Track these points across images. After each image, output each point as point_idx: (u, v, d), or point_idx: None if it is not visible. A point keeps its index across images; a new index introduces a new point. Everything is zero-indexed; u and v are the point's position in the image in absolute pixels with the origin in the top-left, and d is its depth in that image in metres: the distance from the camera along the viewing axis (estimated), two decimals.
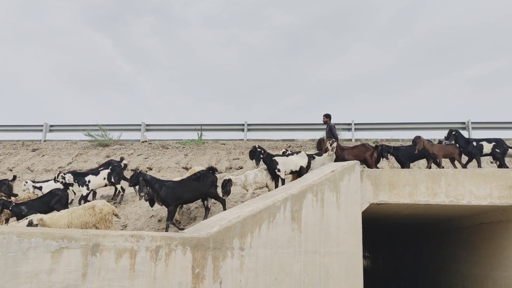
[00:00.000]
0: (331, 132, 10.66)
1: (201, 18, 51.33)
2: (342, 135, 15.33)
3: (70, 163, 13.75)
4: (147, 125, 16.71)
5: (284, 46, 56.57)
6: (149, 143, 15.89)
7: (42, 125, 16.73)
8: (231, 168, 12.94)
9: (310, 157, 8.97)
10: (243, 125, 16.37)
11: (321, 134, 15.35)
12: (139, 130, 16.57)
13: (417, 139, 8.81)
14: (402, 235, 14.10)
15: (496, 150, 8.88)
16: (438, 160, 8.75)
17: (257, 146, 8.56)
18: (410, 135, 16.29)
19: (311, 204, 6.45)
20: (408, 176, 7.47)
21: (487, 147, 8.93)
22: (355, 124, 15.58)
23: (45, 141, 16.54)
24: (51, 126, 16.88)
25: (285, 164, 8.52)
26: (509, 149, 9.08)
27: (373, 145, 9.38)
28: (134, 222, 9.10)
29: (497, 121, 14.77)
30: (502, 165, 8.76)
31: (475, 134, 14.61)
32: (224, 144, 15.67)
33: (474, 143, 8.99)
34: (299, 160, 8.73)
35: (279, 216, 5.98)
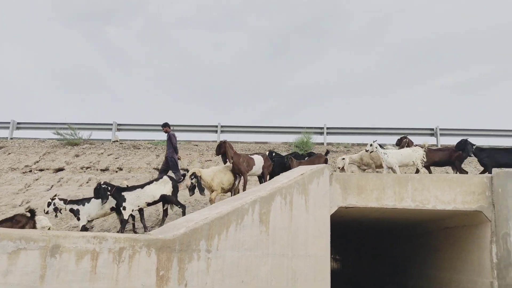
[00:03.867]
0: (170, 141, 10.50)
1: (177, 19, 50.97)
2: (314, 138, 15.46)
3: (37, 161, 13.39)
4: (119, 124, 16.45)
5: (262, 50, 56.77)
6: (120, 143, 15.64)
7: (9, 122, 16.25)
8: (203, 168, 12.85)
9: (193, 176, 8.11)
10: (216, 126, 16.31)
11: (294, 137, 15.46)
12: (111, 129, 16.29)
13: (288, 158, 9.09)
14: (371, 239, 14.30)
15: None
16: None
17: (102, 183, 7.85)
18: (380, 139, 16.56)
19: (280, 207, 6.46)
20: (376, 180, 7.57)
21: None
22: (327, 128, 15.74)
23: (11, 138, 16.06)
24: (18, 123, 16.41)
25: (138, 199, 7.77)
26: None
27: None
28: (101, 222, 8.92)
29: (465, 128, 15.19)
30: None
31: (443, 141, 14.98)
32: (197, 145, 15.58)
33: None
34: (158, 189, 7.93)
35: (247, 218, 5.96)
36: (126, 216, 7.69)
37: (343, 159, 10.19)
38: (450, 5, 47.06)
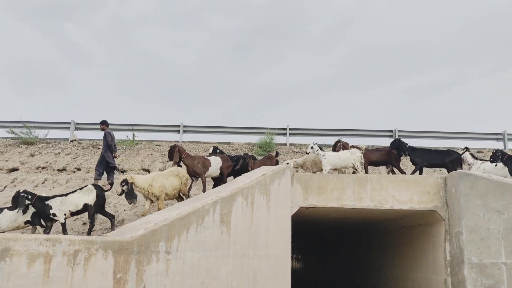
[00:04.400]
0: (105, 139, 10.50)
1: (138, 17, 50.09)
2: (277, 139, 15.55)
3: None
4: (77, 123, 15.98)
5: (225, 50, 56.65)
6: (79, 143, 15.19)
7: None
8: (164, 169, 12.67)
9: (124, 183, 7.54)
10: (179, 126, 16.13)
11: (257, 138, 15.50)
12: (69, 128, 15.80)
13: (247, 156, 9.17)
14: (332, 238, 14.53)
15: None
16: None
17: (20, 191, 7.36)
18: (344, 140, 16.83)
19: (241, 207, 6.45)
20: (336, 180, 7.69)
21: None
22: (290, 129, 15.88)
23: None
24: None
25: (62, 205, 7.41)
26: None
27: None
28: (57, 224, 8.62)
29: (422, 130, 15.70)
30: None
31: None
32: (158, 145, 15.34)
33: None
34: (81, 198, 7.52)
35: (208, 219, 5.91)
36: (62, 220, 7.29)
37: (288, 163, 10.23)
38: (406, 12, 48.62)
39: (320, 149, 9.43)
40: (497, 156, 9.01)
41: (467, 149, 9.77)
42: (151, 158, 13.52)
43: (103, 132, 10.74)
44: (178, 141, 16.03)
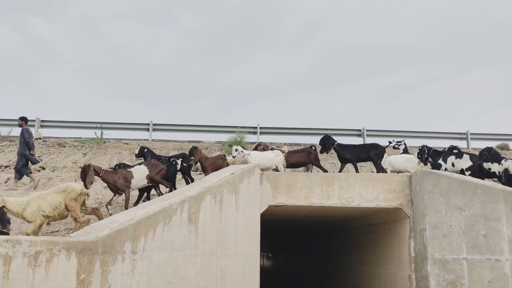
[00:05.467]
0: (22, 136, 10.40)
1: (108, 13, 49.13)
2: (248, 138, 15.58)
3: None
4: (42, 121, 15.56)
5: (197, 48, 56.28)
6: (44, 141, 14.78)
7: None
8: None
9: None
10: (148, 124, 15.93)
11: (228, 137, 15.49)
12: (33, 126, 15.35)
13: (193, 150, 9.06)
14: (301, 236, 14.66)
15: (183, 164, 9.59)
16: (207, 173, 9.07)
17: None
18: (312, 140, 17.03)
19: (210, 206, 6.42)
20: (305, 179, 7.75)
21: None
22: (260, 128, 15.93)
23: None
24: None
25: None
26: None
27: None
28: (19, 225, 8.37)
29: (389, 129, 16.04)
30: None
31: (369, 141, 15.68)
32: (127, 143, 15.10)
33: None
34: None
35: (175, 218, 5.86)
36: None
37: None
38: (376, 13, 49.53)
39: (245, 148, 9.47)
40: (423, 151, 9.46)
41: (399, 142, 10.36)
42: (119, 157, 13.29)
43: (21, 128, 10.49)
44: (147, 140, 15.83)
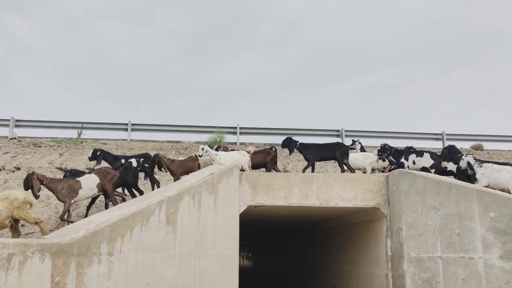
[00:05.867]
0: None
1: (88, 11, 48.38)
2: (228, 138, 15.55)
3: None
4: (17, 120, 15.21)
5: (177, 48, 55.91)
6: (19, 141, 14.46)
7: None
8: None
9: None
10: (126, 124, 15.74)
11: (207, 137, 15.42)
12: (7, 125, 15.00)
13: (156, 158, 8.97)
14: (281, 236, 14.71)
15: (145, 164, 9.55)
16: (176, 177, 9.00)
17: None
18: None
19: (188, 207, 6.38)
20: (284, 179, 7.78)
21: (135, 163, 9.52)
22: (240, 128, 15.91)
23: None
24: None
25: None
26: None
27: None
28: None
29: (368, 130, 16.23)
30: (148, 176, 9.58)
31: (348, 141, 15.85)
32: (105, 143, 14.88)
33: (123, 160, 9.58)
34: None
35: (153, 219, 5.81)
36: None
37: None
38: (355, 15, 50.09)
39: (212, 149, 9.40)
40: (385, 149, 9.70)
41: (354, 142, 10.71)
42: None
43: None
44: (126, 140, 15.64)
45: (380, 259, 7.71)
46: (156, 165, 9.34)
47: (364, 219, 8.41)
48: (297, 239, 13.18)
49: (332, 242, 10.35)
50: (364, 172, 10.07)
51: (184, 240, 6.19)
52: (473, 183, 8.35)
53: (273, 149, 10.15)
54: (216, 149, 10.28)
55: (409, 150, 9.93)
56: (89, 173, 8.37)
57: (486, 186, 8.30)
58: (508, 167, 8.71)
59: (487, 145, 16.31)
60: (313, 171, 9.91)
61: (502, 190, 8.23)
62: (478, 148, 15.91)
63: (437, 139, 16.38)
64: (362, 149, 10.79)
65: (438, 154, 9.69)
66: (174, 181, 9.14)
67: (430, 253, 6.76)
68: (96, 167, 10.23)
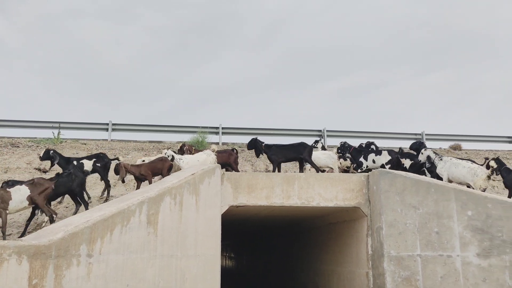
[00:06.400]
0: None
1: (67, 9, 47.63)
2: (210, 138, 15.50)
3: None
4: None
5: (159, 48, 55.48)
6: None
7: None
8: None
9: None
10: (107, 124, 15.55)
11: (189, 137, 15.35)
12: None
13: (118, 167, 8.76)
14: (263, 236, 14.73)
15: (97, 165, 9.39)
16: (148, 179, 8.86)
17: None
18: (273, 140, 17.14)
19: (169, 207, 6.34)
20: (266, 179, 7.79)
21: (88, 165, 9.38)
22: (222, 128, 15.89)
23: None
24: None
25: None
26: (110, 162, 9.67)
27: None
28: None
29: (349, 130, 16.38)
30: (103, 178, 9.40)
31: (329, 141, 15.99)
32: (85, 144, 14.68)
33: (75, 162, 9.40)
34: None
35: (134, 220, 5.75)
36: None
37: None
38: (336, 16, 50.52)
39: (175, 153, 9.26)
40: (345, 148, 9.90)
41: (316, 141, 10.90)
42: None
43: None
44: (106, 140, 15.46)
45: (361, 258, 7.79)
46: (116, 173, 8.99)
47: (345, 219, 8.49)
48: (280, 239, 13.22)
49: (314, 241, 10.41)
50: (324, 171, 10.18)
51: (165, 240, 6.15)
52: (434, 175, 8.61)
53: (234, 150, 10.17)
54: (181, 148, 10.12)
55: (367, 150, 10.08)
56: (21, 184, 7.84)
57: (446, 180, 8.64)
58: (465, 162, 9.03)
59: (465, 145, 16.64)
60: (278, 171, 9.94)
61: (460, 184, 8.60)
62: (457, 148, 16.20)
63: (416, 139, 16.62)
64: (323, 149, 10.86)
65: (396, 151, 9.89)
66: (138, 187, 8.88)
67: (410, 251, 6.85)
68: (49, 169, 9.93)
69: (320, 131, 16.05)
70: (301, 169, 9.78)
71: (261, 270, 15.14)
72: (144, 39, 53.33)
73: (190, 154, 9.94)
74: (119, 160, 9.64)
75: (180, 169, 8.97)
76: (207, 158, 9.05)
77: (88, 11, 49.94)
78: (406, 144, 16.83)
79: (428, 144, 16.45)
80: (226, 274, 20.32)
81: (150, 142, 15.53)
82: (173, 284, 6.13)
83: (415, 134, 16.67)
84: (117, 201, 6.15)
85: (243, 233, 16.50)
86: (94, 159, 9.40)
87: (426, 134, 16.53)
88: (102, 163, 9.52)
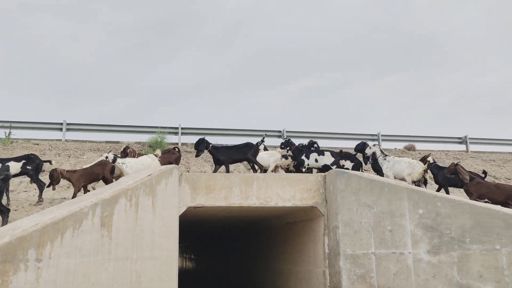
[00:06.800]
0: None
1: (17, 3, 45.70)
2: (169, 139, 15.31)
3: None
4: None
5: (117, 46, 54.22)
6: None
7: None
8: (43, 171, 11.71)
9: None
10: (61, 124, 15.04)
11: (148, 137, 15.10)
12: None
13: (54, 172, 8.40)
14: (222, 237, 14.69)
15: (27, 167, 9.02)
16: (76, 185, 8.59)
17: None
18: (233, 140, 17.15)
19: (124, 209, 6.20)
20: (224, 180, 7.77)
21: (15, 167, 8.94)
22: (182, 128, 15.72)
23: None
24: None
25: None
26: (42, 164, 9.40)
27: None
28: None
29: (308, 131, 16.61)
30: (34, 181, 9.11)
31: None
32: (37, 144, 14.15)
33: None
34: None
35: (86, 222, 5.58)
36: None
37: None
38: (296, 18, 51.15)
39: (117, 157, 9.03)
40: (290, 144, 10.20)
41: (262, 142, 11.04)
42: None
43: None
44: (60, 140, 14.95)
45: (318, 257, 7.91)
46: (50, 178, 8.51)
47: (303, 218, 8.59)
48: (239, 239, 13.22)
49: (273, 241, 10.48)
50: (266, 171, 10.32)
51: (120, 243, 6.01)
52: (380, 174, 8.95)
53: (176, 149, 10.11)
54: (124, 150, 9.83)
55: (310, 149, 10.32)
56: None
57: (390, 177, 9.04)
58: (406, 158, 9.54)
59: (418, 146, 17.24)
60: (227, 171, 9.96)
61: (402, 179, 9.04)
62: (411, 148, 16.76)
63: (373, 140, 17.06)
64: (265, 149, 11.08)
65: (337, 152, 10.20)
66: (75, 194, 8.51)
67: (365, 249, 7.01)
68: None
69: (280, 131, 16.18)
70: (254, 170, 9.83)
71: (220, 270, 15.09)
72: (102, 37, 51.99)
73: (133, 157, 9.67)
74: (51, 163, 9.22)
75: (123, 174, 8.73)
76: (151, 162, 8.83)
77: (43, 6, 48.13)
78: None
79: (383, 144, 16.96)
80: (185, 276, 20.11)
81: (107, 142, 15.16)
82: (128, 287, 6.00)
83: (372, 135, 17.10)
84: (69, 204, 5.96)
85: (203, 234, 16.39)
86: (23, 161, 8.86)
87: (382, 135, 16.99)
88: (32, 165, 9.01)
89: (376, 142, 11.19)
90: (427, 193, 7.03)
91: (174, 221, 7.11)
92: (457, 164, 8.83)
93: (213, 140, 15.93)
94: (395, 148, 17.02)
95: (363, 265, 6.97)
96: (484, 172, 9.43)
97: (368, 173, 8.52)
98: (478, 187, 8.57)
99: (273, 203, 7.78)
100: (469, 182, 8.64)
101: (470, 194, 8.57)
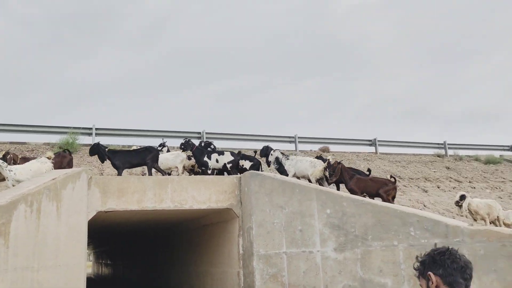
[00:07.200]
0: None
1: None
2: (82, 140, 14.56)
3: None
4: None
5: (27, 40, 50.63)
6: None
7: None
8: None
9: None
10: None
11: (58, 138, 14.23)
12: None
13: None
14: (138, 241, 14.31)
15: None
16: None
17: None
18: (151, 141, 16.77)
19: (24, 216, 5.80)
20: (137, 183, 7.58)
21: None
22: (96, 128, 15.04)
23: None
24: None
25: None
26: None
27: None
28: None
29: (228, 132, 16.69)
30: None
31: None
32: None
33: None
34: None
35: None
36: None
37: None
38: (218, 19, 51.34)
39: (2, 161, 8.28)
40: (189, 145, 10.46)
41: (161, 144, 11.07)
42: None
43: None
44: None
45: (232, 258, 7.98)
46: None
47: (219, 220, 8.63)
48: (155, 243, 12.95)
49: (189, 244, 10.41)
50: (170, 173, 10.26)
51: (19, 252, 5.62)
52: (285, 175, 9.34)
53: (66, 151, 9.73)
54: (3, 156, 9.07)
55: (211, 150, 10.48)
56: None
57: (293, 175, 9.48)
58: (308, 158, 10.09)
59: (332, 148, 18.03)
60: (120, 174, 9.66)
61: (303, 177, 9.48)
62: (325, 150, 17.48)
63: (290, 142, 17.56)
64: (168, 151, 11.03)
65: (236, 153, 10.47)
66: None
67: (277, 249, 7.21)
68: None
69: (199, 133, 16.09)
70: (149, 173, 9.60)
71: (137, 275, 14.68)
72: (10, 30, 48.23)
73: (15, 163, 8.97)
74: None
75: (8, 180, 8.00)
76: (41, 166, 8.22)
77: None
78: (280, 147, 17.69)
79: (300, 146, 17.53)
80: (101, 282, 19.28)
81: (12, 143, 14.07)
82: None
83: (289, 137, 17.58)
84: None
85: (118, 239, 15.83)
86: None
87: (298, 137, 17.53)
88: None
89: (278, 147, 11.53)
90: (335, 193, 7.40)
91: (82, 227, 6.79)
92: (339, 163, 9.37)
93: (130, 142, 15.49)
94: (311, 150, 17.67)
95: (275, 265, 7.16)
96: (369, 170, 10.17)
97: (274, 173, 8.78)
98: (359, 183, 9.20)
99: (188, 206, 7.73)
100: (350, 180, 9.21)
101: (354, 192, 9.00)
